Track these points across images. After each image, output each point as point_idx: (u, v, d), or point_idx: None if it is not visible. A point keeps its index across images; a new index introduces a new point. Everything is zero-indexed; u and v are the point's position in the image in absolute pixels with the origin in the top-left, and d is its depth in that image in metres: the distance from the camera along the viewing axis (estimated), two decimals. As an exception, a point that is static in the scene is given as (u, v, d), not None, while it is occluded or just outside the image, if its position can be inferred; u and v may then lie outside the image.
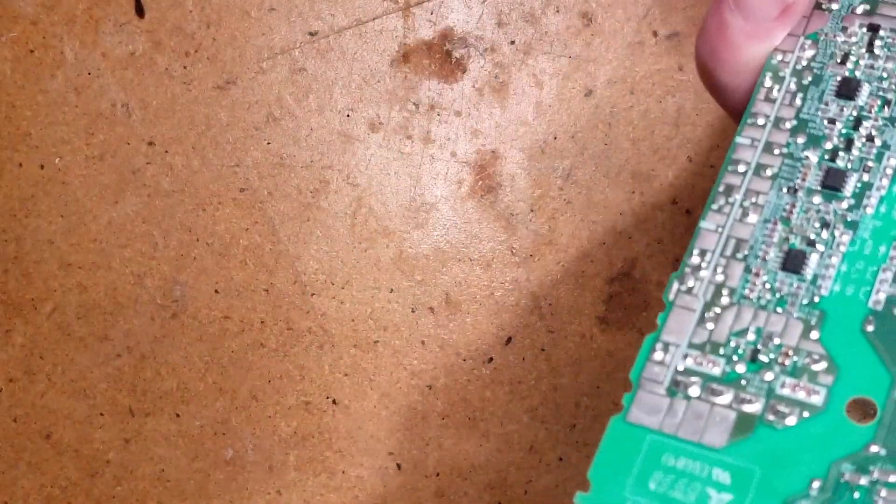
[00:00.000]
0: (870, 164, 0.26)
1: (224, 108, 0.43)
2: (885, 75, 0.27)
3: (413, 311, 0.41)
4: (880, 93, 0.27)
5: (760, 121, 0.27)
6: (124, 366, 0.41)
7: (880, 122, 0.27)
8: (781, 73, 0.27)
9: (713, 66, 0.28)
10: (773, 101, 0.27)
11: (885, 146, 0.26)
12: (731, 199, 0.26)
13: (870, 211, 0.26)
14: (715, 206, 0.26)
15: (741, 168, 0.27)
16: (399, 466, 0.41)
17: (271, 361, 0.41)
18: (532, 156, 0.42)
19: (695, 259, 0.26)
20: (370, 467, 0.40)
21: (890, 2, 0.28)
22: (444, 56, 0.43)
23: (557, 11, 0.43)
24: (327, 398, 0.41)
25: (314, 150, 0.42)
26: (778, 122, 0.27)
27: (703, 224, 0.26)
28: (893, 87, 0.27)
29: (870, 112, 0.27)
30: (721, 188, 0.27)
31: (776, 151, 0.27)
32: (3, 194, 0.43)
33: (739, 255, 0.26)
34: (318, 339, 0.41)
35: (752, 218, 0.26)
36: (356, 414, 0.41)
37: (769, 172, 0.27)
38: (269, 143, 0.43)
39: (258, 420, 0.41)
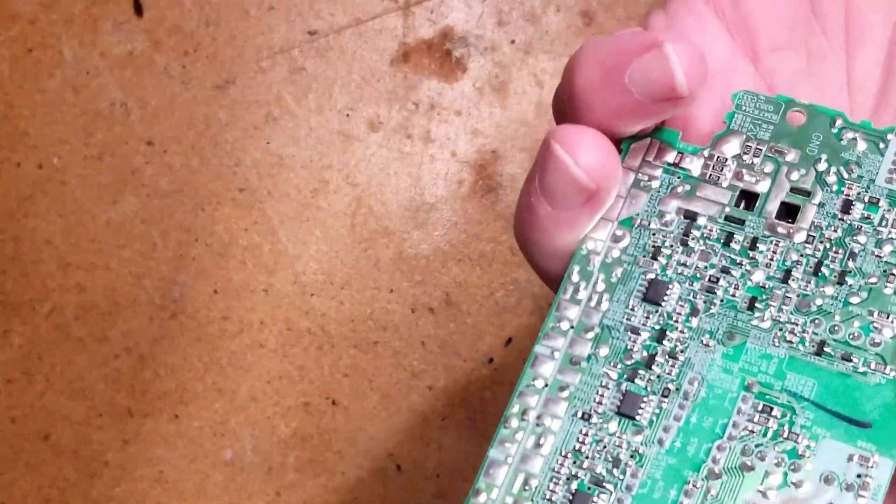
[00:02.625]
0: (669, 386, 0.24)
1: (223, 107, 0.43)
2: (697, 275, 0.25)
3: (413, 312, 0.41)
4: (690, 297, 0.25)
5: (563, 326, 0.25)
6: (123, 366, 0.41)
7: (686, 335, 0.24)
8: (590, 267, 0.25)
9: (526, 248, 0.26)
10: (579, 302, 0.25)
11: (688, 364, 0.24)
12: (523, 423, 0.24)
13: (665, 445, 0.24)
14: (506, 432, 0.24)
15: (539, 384, 0.24)
16: (399, 467, 0.40)
17: (270, 362, 0.41)
18: (533, 155, 0.42)
19: (480, 497, 0.24)
20: (370, 468, 0.40)
21: (709, 182, 0.25)
22: (444, 55, 0.43)
23: (558, 10, 0.43)
24: (327, 399, 0.41)
25: (313, 150, 0.42)
26: (580, 328, 0.25)
27: (491, 453, 0.24)
28: (704, 290, 0.25)
29: (676, 322, 0.24)
30: (514, 408, 0.24)
31: (575, 366, 0.24)
32: (1, 194, 0.43)
33: (526, 493, 0.24)
34: (318, 340, 0.41)
35: (545, 448, 0.24)
36: (356, 415, 0.40)
37: (565, 393, 0.24)
38: (268, 143, 0.42)
39: (257, 421, 0.41)
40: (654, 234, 0.25)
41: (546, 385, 0.24)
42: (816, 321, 0.24)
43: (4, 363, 0.41)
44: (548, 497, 0.24)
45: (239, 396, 0.41)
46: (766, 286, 0.24)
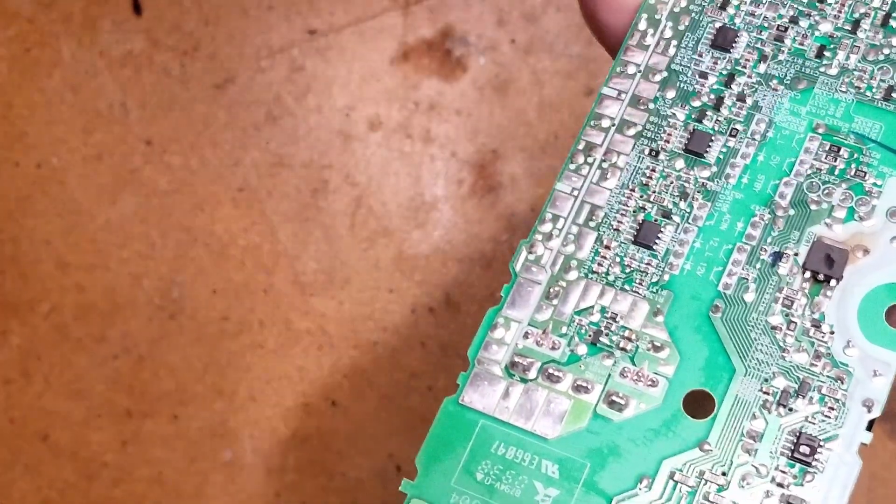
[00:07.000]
0: (738, 127, 0.25)
1: (222, 107, 0.43)
2: (765, 24, 0.25)
3: (413, 312, 0.41)
4: (758, 45, 0.25)
5: (630, 70, 0.26)
6: (122, 367, 0.41)
7: (754, 80, 0.25)
8: (658, 16, 0.26)
9: (592, 4, 0.26)
10: (646, 47, 0.26)
11: (756, 107, 0.25)
12: (589, 159, 0.25)
13: (732, 181, 0.24)
14: (572, 166, 0.25)
15: (605, 123, 0.25)
16: (399, 468, 0.40)
17: (270, 362, 0.41)
18: (533, 155, 0.41)
19: (546, 226, 0.25)
20: (370, 469, 0.40)
21: None
22: (444, 54, 0.43)
23: (558, 10, 0.43)
24: (326, 399, 0.40)
25: (313, 150, 0.42)
26: (648, 72, 0.25)
27: (558, 186, 0.25)
28: (773, 38, 0.25)
29: (744, 67, 0.25)
30: (581, 145, 0.25)
31: (642, 107, 0.25)
32: (0, 194, 0.43)
33: (592, 224, 0.25)
34: (318, 340, 0.41)
35: (610, 182, 0.25)
36: (355, 415, 0.40)
37: (632, 131, 0.25)
38: (267, 143, 0.42)
39: (257, 421, 0.40)
40: None
41: (612, 124, 0.25)
42: (884, 69, 0.25)
43: (3, 364, 0.41)
44: (615, 227, 0.25)
45: (238, 397, 0.41)
46: (835, 36, 0.25)
